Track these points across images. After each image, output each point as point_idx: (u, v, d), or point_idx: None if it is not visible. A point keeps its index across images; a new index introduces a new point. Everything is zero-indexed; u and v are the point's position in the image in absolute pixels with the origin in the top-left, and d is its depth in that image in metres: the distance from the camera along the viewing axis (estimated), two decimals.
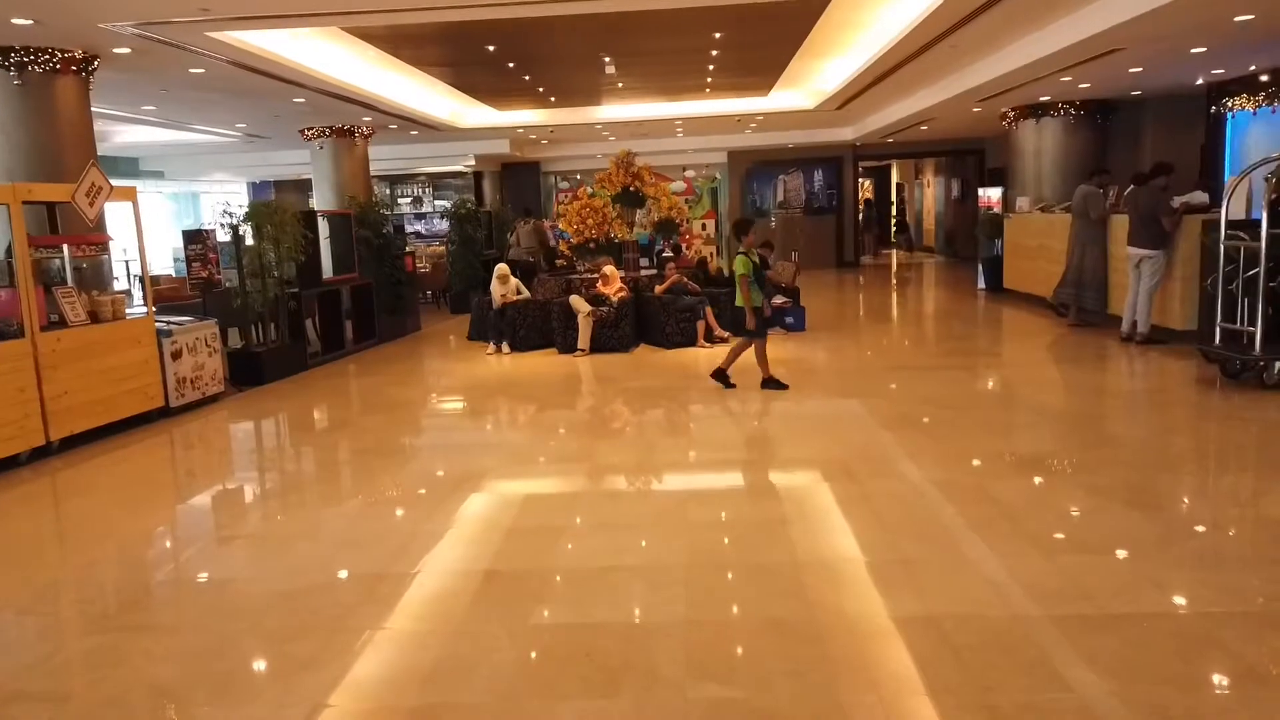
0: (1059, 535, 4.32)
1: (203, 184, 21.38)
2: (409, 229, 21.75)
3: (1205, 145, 12.93)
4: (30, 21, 6.77)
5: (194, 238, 8.65)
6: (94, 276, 7.56)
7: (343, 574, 4.19)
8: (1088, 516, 4.60)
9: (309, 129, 14.71)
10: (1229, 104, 12.08)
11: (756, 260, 7.77)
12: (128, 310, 7.56)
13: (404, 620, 3.66)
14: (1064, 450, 5.86)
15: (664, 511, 4.90)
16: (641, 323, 10.99)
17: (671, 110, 16.13)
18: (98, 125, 15.10)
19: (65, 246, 7.15)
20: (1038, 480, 5.18)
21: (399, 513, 5.11)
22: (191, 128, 14.41)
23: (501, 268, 11.08)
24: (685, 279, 11.00)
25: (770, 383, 7.91)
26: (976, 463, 5.60)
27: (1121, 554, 4.06)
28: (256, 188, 22.42)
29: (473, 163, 19.97)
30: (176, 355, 7.88)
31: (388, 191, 21.99)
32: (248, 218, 9.20)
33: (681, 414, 7.50)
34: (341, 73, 11.14)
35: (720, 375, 8.09)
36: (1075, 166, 13.88)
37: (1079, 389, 7.97)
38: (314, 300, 10.81)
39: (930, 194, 25.36)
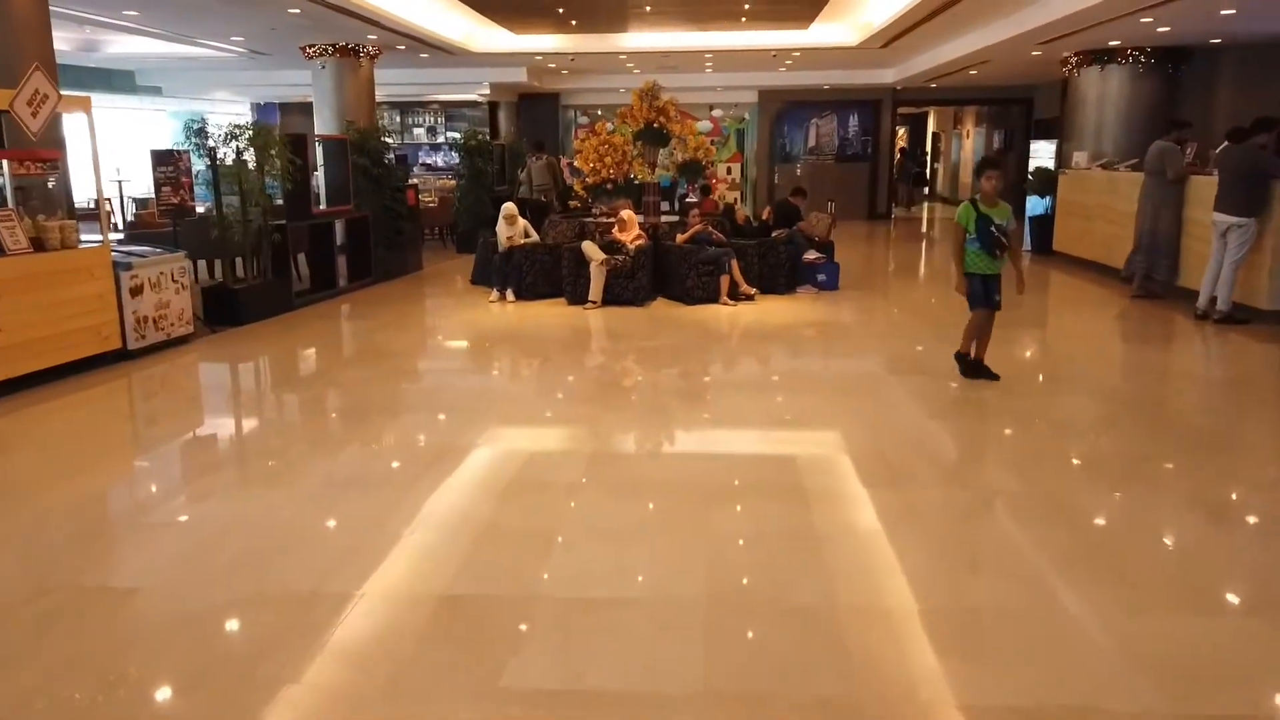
0: (1186, 579, 3.42)
1: (204, 103, 20.31)
2: (422, 160, 20.70)
3: None
4: None
5: (164, 159, 7.72)
6: (46, 199, 6.67)
7: (271, 588, 3.35)
8: (1215, 549, 3.70)
9: (310, 46, 13.61)
10: None
11: (983, 211, 5.84)
12: (84, 239, 6.68)
13: (330, 670, 2.82)
14: (1162, 453, 4.93)
15: (677, 518, 4.03)
16: (660, 274, 10.03)
17: (702, 41, 14.90)
18: (87, 33, 14.10)
19: (4, 163, 6.24)
20: (1139, 494, 4.27)
21: (359, 502, 4.27)
22: (186, 39, 13.35)
23: (509, 207, 10.10)
24: (710, 227, 10.00)
25: (974, 368, 6.21)
26: (1052, 466, 4.69)
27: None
28: (261, 109, 21.34)
29: (488, 91, 18.80)
30: (136, 291, 7.01)
31: (398, 119, 20.89)
32: (227, 139, 8.25)
33: (699, 382, 6.60)
34: None
35: (976, 368, 6.22)
36: (1141, 120, 12.67)
37: (1159, 373, 7.01)
38: (303, 233, 9.89)
39: (969, 145, 24.00)
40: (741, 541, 3.75)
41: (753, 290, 9.64)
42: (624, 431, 5.33)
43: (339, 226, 10.50)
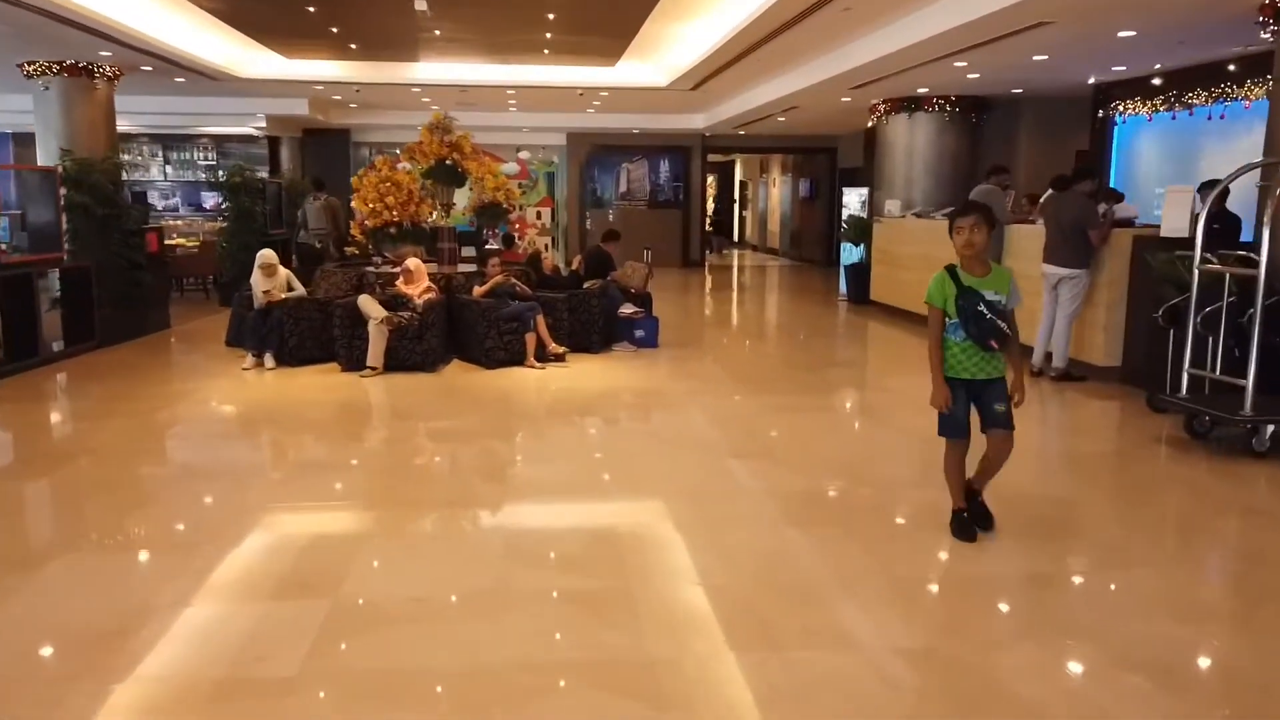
0: None
1: None
2: (189, 201, 18.25)
3: (1089, 151, 11.89)
4: None
5: None
6: None
7: None
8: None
9: (30, 63, 11.32)
10: (1120, 107, 11.02)
11: (967, 284, 3.97)
12: None
13: None
14: (1074, 566, 4.04)
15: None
16: (455, 333, 8.64)
17: (503, 75, 13.72)
18: None
19: None
20: (1084, 658, 3.30)
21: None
22: None
23: (266, 254, 8.42)
24: (513, 278, 8.73)
25: (964, 522, 4.17)
26: (958, 607, 3.68)
27: None
28: None
29: (264, 124, 16.78)
30: None
31: (159, 153, 18.38)
32: None
33: (501, 485, 5.25)
34: None
35: (971, 515, 4.21)
36: (947, 168, 12.63)
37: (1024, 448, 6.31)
38: None
39: (776, 193, 24.12)
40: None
41: (562, 349, 8.43)
42: (378, 594, 3.90)
43: (48, 279, 8.43)
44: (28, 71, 11.44)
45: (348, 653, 3.13)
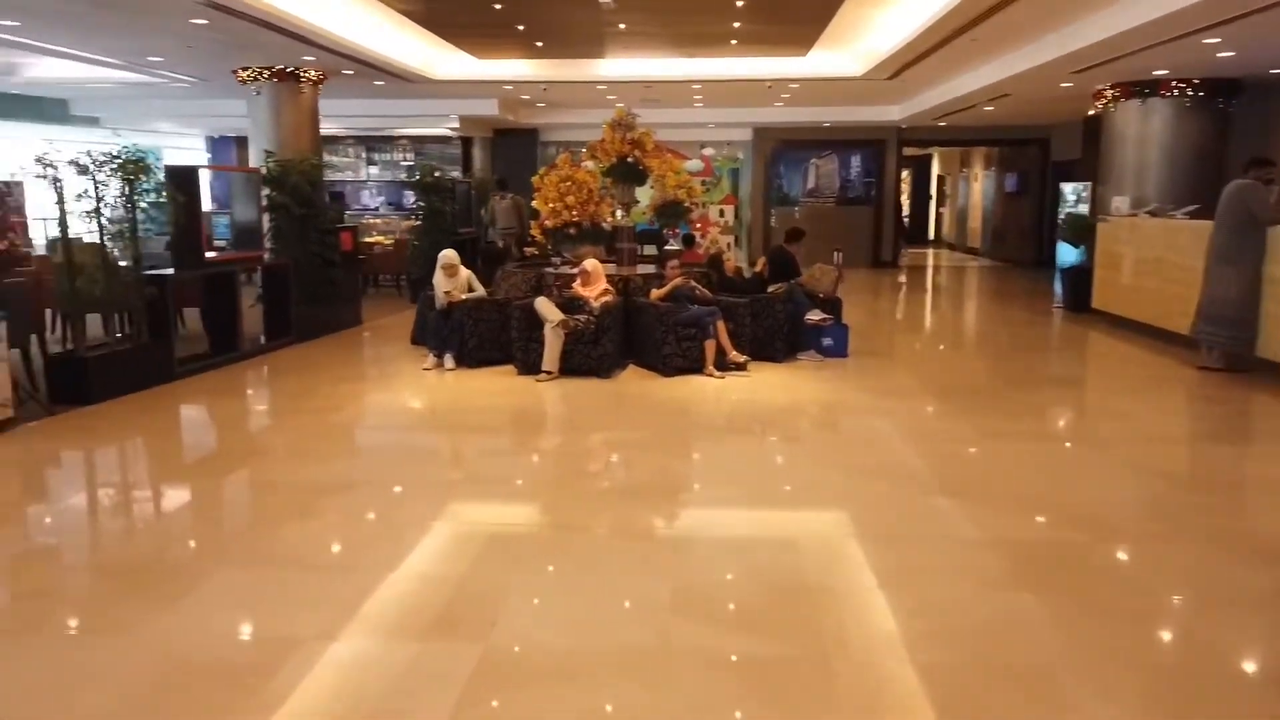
0: None
1: (149, 135, 18.70)
2: (389, 200, 19.09)
3: None
4: None
5: None
6: None
7: None
8: None
9: (244, 69, 11.99)
10: None
11: None
12: None
13: None
14: None
15: None
16: (632, 337, 8.29)
17: (689, 69, 13.31)
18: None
19: None
20: None
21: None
22: (100, 62, 11.70)
23: (448, 254, 8.37)
24: (693, 281, 8.27)
25: None
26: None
27: None
28: (216, 143, 19.76)
29: (457, 125, 17.20)
30: None
31: (363, 154, 19.31)
32: (81, 169, 6.54)
33: (672, 514, 4.79)
34: None
35: None
36: (1188, 161, 11.07)
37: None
38: (194, 286, 8.15)
39: (977, 188, 22.47)
40: None
41: (743, 358, 7.89)
42: (549, 630, 3.52)
43: (251, 277, 8.78)
44: (242, 77, 12.11)
45: (495, 713, 2.75)
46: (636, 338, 8.22)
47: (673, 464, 5.53)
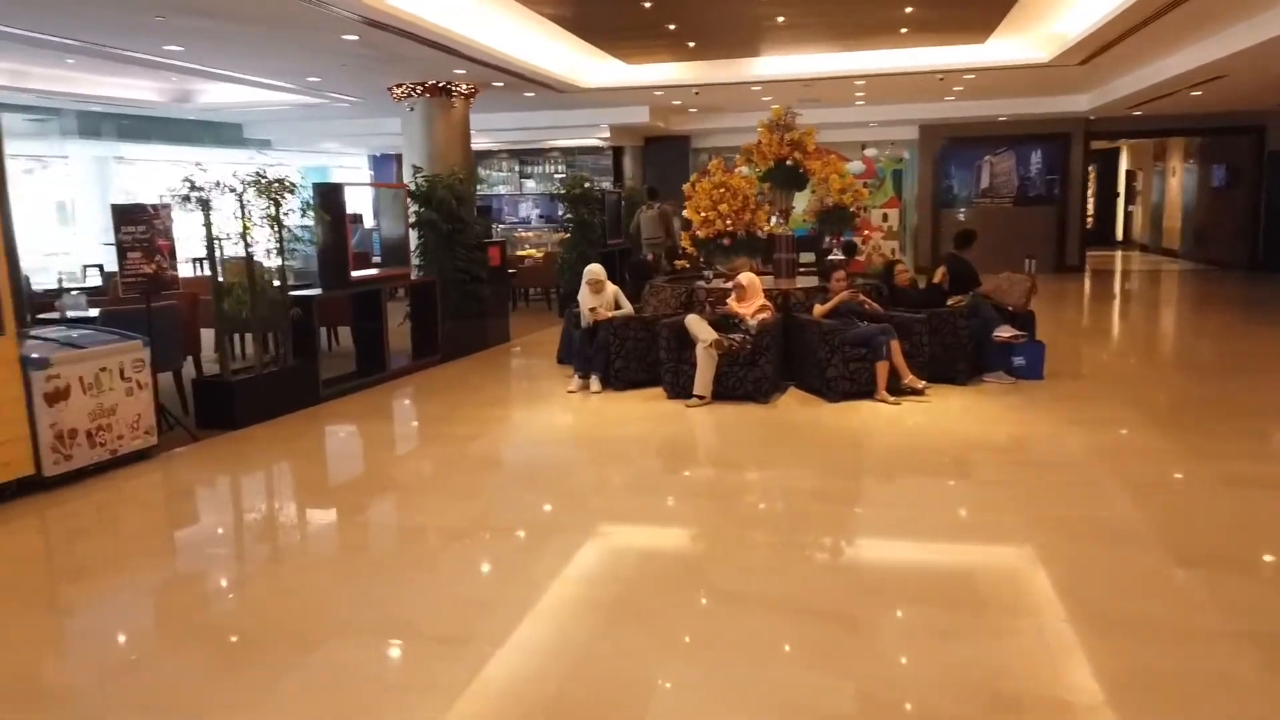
0: None
1: (316, 155, 19.43)
2: (541, 213, 19.06)
3: None
4: None
5: (130, 216, 5.92)
6: None
7: None
8: None
9: (398, 86, 12.02)
10: None
11: None
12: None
13: None
14: None
15: None
16: (792, 358, 7.54)
17: (851, 63, 12.38)
18: (173, 81, 13.05)
19: None
20: None
21: None
22: (260, 82, 12.01)
23: (593, 270, 7.87)
24: (862, 294, 7.44)
25: None
26: None
27: None
28: (378, 160, 20.30)
29: (608, 135, 16.90)
30: (58, 396, 5.13)
31: (516, 167, 19.36)
32: (226, 189, 6.43)
33: (842, 583, 4.03)
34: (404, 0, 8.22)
35: None
36: None
37: None
38: (340, 305, 8.01)
39: (1175, 183, 20.24)
40: None
41: (921, 382, 6.99)
42: None
43: (399, 293, 8.62)
44: (396, 94, 12.15)
45: None
46: (798, 359, 7.47)
47: (843, 512, 4.76)
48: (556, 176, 18.78)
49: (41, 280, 10.47)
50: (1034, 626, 3.36)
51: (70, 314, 7.08)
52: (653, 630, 3.40)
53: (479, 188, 14.61)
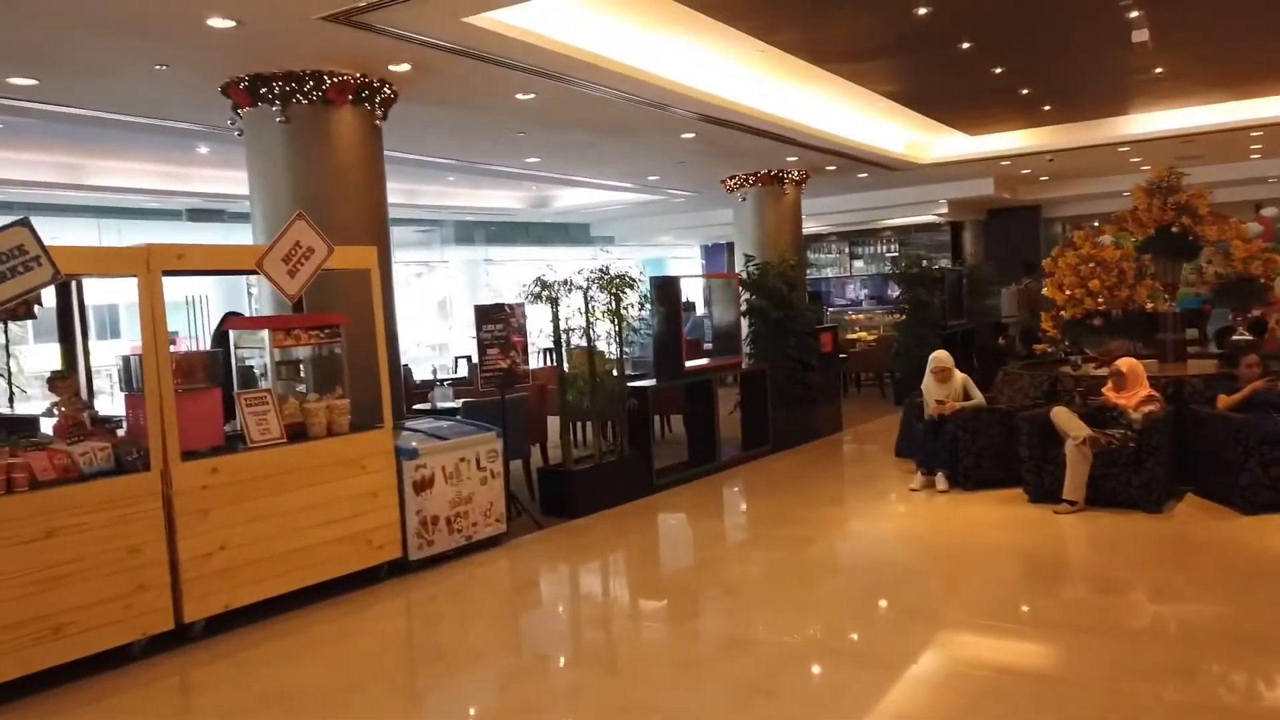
0: None
1: (654, 249, 20.47)
2: (870, 294, 18.49)
3: None
4: (232, 23, 4.98)
5: (489, 315, 6.40)
6: (328, 372, 5.56)
7: None
8: None
9: (731, 178, 12.26)
10: None
11: None
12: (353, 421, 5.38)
13: None
14: None
15: None
16: (1189, 458, 6.31)
17: (1243, 112, 10.64)
18: (534, 190, 14.43)
19: (266, 334, 5.19)
20: None
21: None
22: (608, 185, 12.87)
23: (940, 357, 7.21)
24: (1278, 382, 6.09)
25: None
26: None
27: None
28: (709, 250, 20.94)
29: (945, 210, 16.03)
30: (424, 485, 5.51)
31: (846, 250, 19.01)
32: (571, 288, 6.75)
33: None
34: (738, 93, 8.33)
35: None
36: None
37: None
38: (673, 395, 8.06)
39: None
40: None
41: None
42: None
43: (729, 380, 8.55)
44: (729, 186, 12.40)
45: None
46: (1197, 459, 6.23)
47: (1273, 666, 3.71)
48: (888, 256, 18.14)
49: (420, 371, 11.78)
50: None
51: (440, 404, 7.77)
52: None
53: (807, 271, 14.40)
